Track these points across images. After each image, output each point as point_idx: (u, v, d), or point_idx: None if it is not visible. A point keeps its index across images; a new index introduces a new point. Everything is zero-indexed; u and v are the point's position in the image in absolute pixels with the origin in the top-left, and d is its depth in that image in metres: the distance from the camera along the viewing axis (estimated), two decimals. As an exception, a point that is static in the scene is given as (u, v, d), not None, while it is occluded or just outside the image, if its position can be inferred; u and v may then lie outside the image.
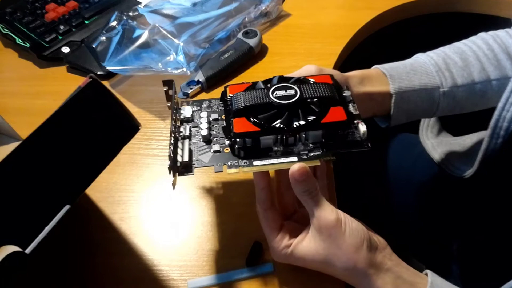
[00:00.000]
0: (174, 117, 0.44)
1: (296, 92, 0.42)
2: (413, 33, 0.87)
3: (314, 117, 0.42)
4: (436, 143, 0.71)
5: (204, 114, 0.47)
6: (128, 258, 0.50)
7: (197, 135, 0.45)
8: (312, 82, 0.44)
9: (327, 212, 0.40)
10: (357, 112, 0.44)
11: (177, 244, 0.51)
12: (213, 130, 0.45)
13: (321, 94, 0.42)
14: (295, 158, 0.42)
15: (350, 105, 0.45)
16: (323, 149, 0.42)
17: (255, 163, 0.42)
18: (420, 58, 0.58)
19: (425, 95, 0.55)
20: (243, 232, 0.51)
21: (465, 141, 0.69)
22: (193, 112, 0.47)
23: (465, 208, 0.66)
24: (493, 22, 0.80)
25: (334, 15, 0.78)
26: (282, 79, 0.45)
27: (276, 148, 0.42)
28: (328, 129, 0.42)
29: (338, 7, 0.79)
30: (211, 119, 0.46)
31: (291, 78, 0.45)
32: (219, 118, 0.46)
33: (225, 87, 0.46)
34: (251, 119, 0.42)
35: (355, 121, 0.43)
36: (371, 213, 0.71)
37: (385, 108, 0.54)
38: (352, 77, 0.52)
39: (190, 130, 0.45)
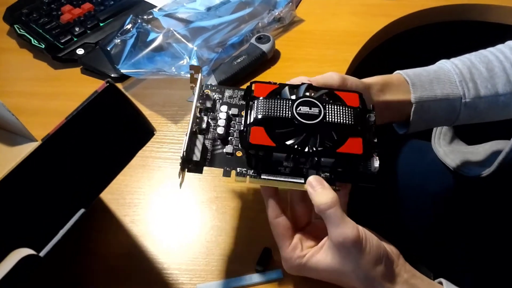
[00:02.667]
0: (197, 104, 0.44)
1: (320, 112, 0.42)
2: (426, 41, 0.87)
3: (330, 143, 0.41)
4: (448, 151, 0.71)
5: (224, 108, 0.46)
6: (138, 261, 0.50)
7: (214, 130, 0.44)
8: (338, 104, 0.43)
9: (348, 229, 0.39)
10: (376, 140, 0.44)
11: (187, 248, 0.51)
12: (230, 128, 0.45)
13: (344, 122, 0.42)
14: (302, 180, 0.42)
15: (372, 130, 0.44)
16: (331, 175, 0.42)
17: (263, 176, 0.42)
18: (444, 65, 0.57)
19: (446, 105, 0.54)
20: (253, 238, 0.51)
21: (478, 150, 0.69)
22: (214, 100, 0.46)
23: (479, 214, 0.66)
24: (507, 31, 0.80)
25: (347, 22, 0.78)
26: (310, 88, 0.45)
27: (286, 164, 0.42)
28: (341, 159, 0.42)
29: (352, 14, 0.79)
30: (230, 114, 0.46)
31: (319, 89, 0.45)
32: (239, 114, 0.46)
33: (251, 83, 0.45)
34: (269, 130, 0.41)
35: (372, 151, 0.43)
36: (381, 219, 0.70)
37: (404, 115, 0.54)
38: (374, 84, 0.52)
39: (208, 123, 0.45)
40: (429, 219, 0.71)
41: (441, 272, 0.69)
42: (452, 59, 0.58)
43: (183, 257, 0.50)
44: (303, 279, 0.46)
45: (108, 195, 0.56)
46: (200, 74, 0.45)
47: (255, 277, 0.48)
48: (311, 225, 0.46)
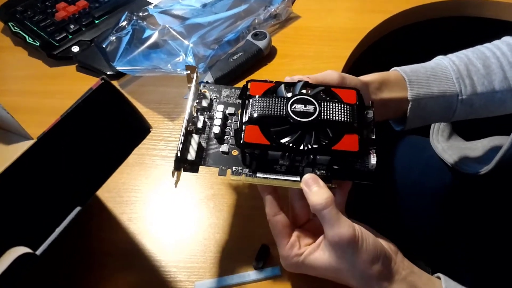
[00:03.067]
0: (192, 103, 0.43)
1: (315, 109, 0.41)
2: (422, 37, 0.87)
3: (326, 141, 0.41)
4: (446, 147, 0.70)
5: (220, 107, 0.45)
6: (135, 259, 0.50)
7: (210, 129, 0.44)
8: (334, 101, 0.43)
9: (343, 228, 0.39)
10: (374, 137, 0.43)
11: (184, 245, 0.51)
12: (227, 127, 0.45)
13: (339, 119, 0.41)
14: (298, 178, 0.42)
15: (370, 127, 0.44)
16: (327, 173, 0.42)
17: (258, 174, 0.42)
18: (442, 62, 0.56)
19: (443, 102, 0.54)
20: (251, 235, 0.51)
21: (477, 146, 0.69)
22: (211, 100, 0.46)
23: (478, 212, 0.66)
24: (504, 27, 0.80)
25: (343, 18, 0.78)
26: (306, 85, 0.44)
27: (282, 162, 0.42)
28: (337, 157, 0.41)
29: (348, 10, 0.79)
30: (227, 113, 0.45)
31: (316, 86, 0.44)
32: (236, 113, 0.45)
33: (247, 82, 0.45)
34: (263, 129, 0.41)
35: (369, 148, 0.42)
36: (379, 216, 0.70)
37: (401, 112, 0.54)
38: (371, 82, 0.51)
39: (204, 123, 0.44)
40: (427, 216, 0.71)
41: (441, 272, 0.69)
42: (450, 55, 0.57)
43: (181, 254, 0.50)
44: (301, 276, 0.46)
45: (105, 193, 0.55)
46: (196, 74, 0.45)
47: (253, 274, 0.48)
48: (310, 222, 0.46)
